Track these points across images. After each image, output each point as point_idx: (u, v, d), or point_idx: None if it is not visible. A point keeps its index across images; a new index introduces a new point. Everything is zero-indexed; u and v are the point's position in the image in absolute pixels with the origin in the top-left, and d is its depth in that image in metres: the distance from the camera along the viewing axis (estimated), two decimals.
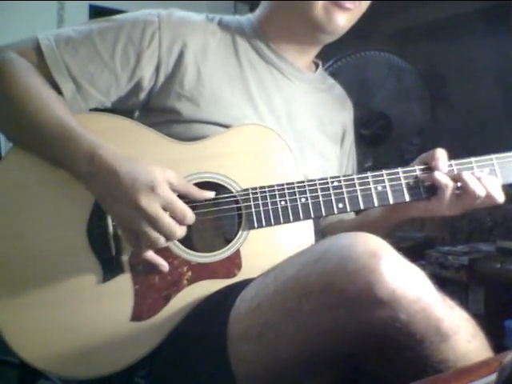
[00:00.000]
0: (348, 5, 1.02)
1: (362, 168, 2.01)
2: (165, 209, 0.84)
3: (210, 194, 0.91)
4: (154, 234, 0.84)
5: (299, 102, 1.11)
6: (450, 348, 0.72)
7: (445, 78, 2.33)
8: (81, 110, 0.97)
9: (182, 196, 0.88)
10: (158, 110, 1.02)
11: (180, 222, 0.85)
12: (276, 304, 0.78)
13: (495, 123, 2.11)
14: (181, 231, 0.85)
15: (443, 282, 1.74)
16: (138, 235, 0.85)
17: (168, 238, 0.85)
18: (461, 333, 0.73)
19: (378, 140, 2.08)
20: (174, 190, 0.87)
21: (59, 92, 0.96)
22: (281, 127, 1.04)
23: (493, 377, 0.57)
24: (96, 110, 1.02)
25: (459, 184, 0.96)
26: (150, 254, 0.87)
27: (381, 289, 0.69)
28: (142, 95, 1.02)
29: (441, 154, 0.98)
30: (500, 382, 0.53)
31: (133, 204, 0.83)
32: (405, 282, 0.71)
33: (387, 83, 2.03)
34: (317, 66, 1.19)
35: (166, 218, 0.83)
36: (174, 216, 0.84)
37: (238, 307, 0.83)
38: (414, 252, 2.01)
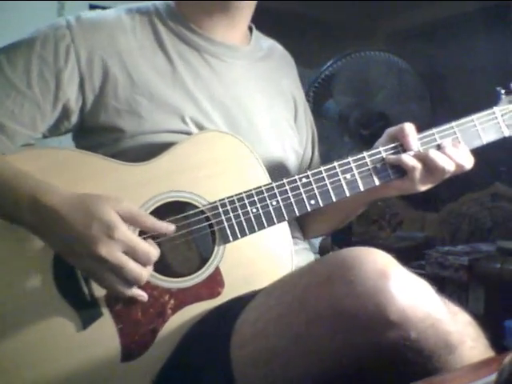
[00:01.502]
0: None
1: None
2: (126, 253, 0.77)
3: (171, 227, 0.82)
4: (120, 284, 0.78)
5: (241, 83, 1.02)
6: (457, 358, 0.71)
7: (445, 78, 2.34)
8: (10, 149, 0.88)
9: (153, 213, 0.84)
10: (99, 129, 0.93)
11: (144, 263, 0.78)
12: (283, 329, 0.75)
13: None
14: (147, 272, 0.79)
15: (443, 282, 1.74)
16: (105, 284, 0.79)
17: (135, 283, 0.79)
18: (466, 341, 0.73)
19: (377, 140, 2.08)
20: (136, 226, 0.80)
21: None
22: (228, 117, 0.98)
23: (493, 377, 0.57)
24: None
25: (427, 163, 0.93)
26: (124, 294, 0.82)
27: (392, 311, 0.68)
28: (74, 118, 0.92)
29: (409, 129, 0.96)
30: (500, 382, 0.53)
31: (92, 254, 0.75)
32: (414, 300, 0.70)
33: (387, 83, 2.02)
34: (251, 32, 1.09)
35: (130, 265, 0.76)
36: (137, 258, 0.77)
37: (239, 331, 0.79)
38: (414, 252, 2.02)
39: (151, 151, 0.90)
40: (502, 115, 1.02)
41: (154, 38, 0.97)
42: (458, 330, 0.73)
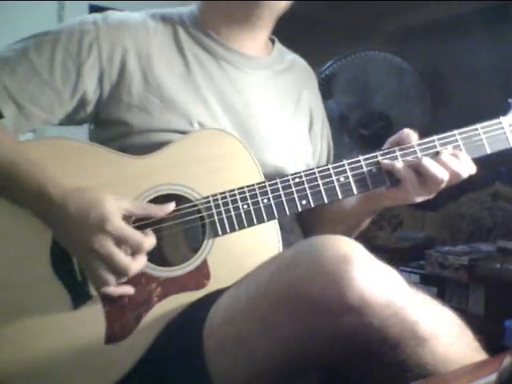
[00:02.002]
0: None
1: None
2: (118, 244, 0.82)
3: (170, 206, 0.88)
4: (107, 275, 0.82)
5: (256, 92, 1.06)
6: (428, 352, 0.71)
7: (445, 78, 2.33)
8: (25, 130, 0.96)
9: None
10: (109, 122, 0.98)
11: (136, 252, 0.83)
12: (249, 314, 0.77)
13: None
14: (137, 265, 0.83)
15: (443, 282, 1.74)
16: (94, 274, 0.84)
17: (122, 275, 0.83)
18: (441, 336, 0.72)
19: (377, 140, 2.08)
20: (131, 217, 0.85)
21: (1, 115, 0.93)
22: (238, 123, 1.01)
23: (493, 377, 0.57)
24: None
25: (420, 171, 0.93)
26: (111, 290, 0.85)
27: (350, 295, 0.68)
28: (89, 108, 0.98)
29: (407, 137, 0.96)
30: (500, 382, 0.53)
31: (85, 244, 0.81)
32: (376, 286, 0.69)
33: (387, 83, 2.03)
34: (273, 44, 1.14)
35: (117, 256, 0.81)
36: (128, 249, 0.83)
37: (211, 320, 0.81)
38: (414, 252, 2.02)
39: (156, 149, 0.94)
40: (509, 125, 1.00)
41: (173, 41, 1.02)
42: (428, 321, 0.71)
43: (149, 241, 0.84)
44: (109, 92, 0.97)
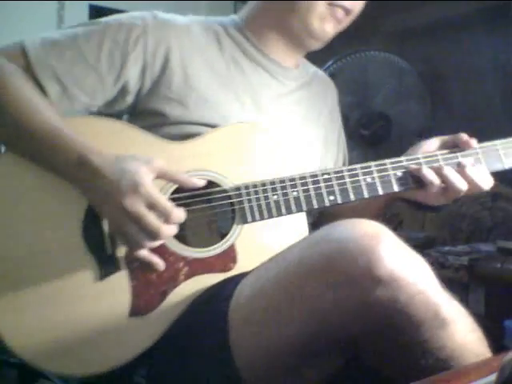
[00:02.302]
0: (339, 15, 1.06)
1: None
2: (149, 208, 0.85)
3: (200, 182, 0.91)
4: (139, 234, 0.85)
5: (286, 100, 1.13)
6: (448, 335, 0.73)
7: (445, 78, 2.33)
8: (67, 112, 0.98)
9: (181, 190, 0.91)
10: (146, 113, 1.03)
11: (166, 220, 0.85)
12: (277, 287, 0.79)
13: (495, 123, 2.11)
14: (167, 230, 0.86)
15: (443, 282, 1.74)
16: (126, 237, 0.86)
17: (153, 237, 0.85)
18: (459, 322, 0.74)
19: (377, 140, 2.08)
20: (161, 177, 0.89)
21: (45, 95, 0.96)
22: (268, 124, 1.05)
23: (493, 377, 0.57)
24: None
25: (442, 179, 0.98)
26: (144, 254, 0.88)
27: (380, 268, 0.71)
28: (129, 98, 1.03)
29: (430, 145, 1.03)
30: (500, 382, 0.53)
31: (119, 206, 0.84)
32: (404, 264, 0.73)
33: (387, 83, 2.03)
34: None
35: (148, 217, 0.84)
36: (159, 215, 0.85)
37: (238, 295, 0.84)
38: None
39: (188, 139, 0.98)
40: None
41: (215, 43, 1.08)
42: (449, 307, 0.74)
43: (177, 212, 0.86)
44: (150, 85, 1.02)
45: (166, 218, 0.85)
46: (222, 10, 3.22)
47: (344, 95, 1.87)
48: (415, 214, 2.29)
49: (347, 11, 1.07)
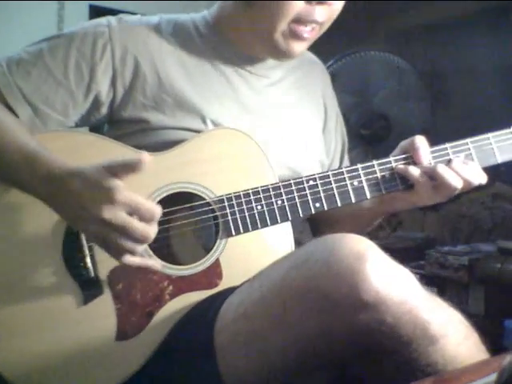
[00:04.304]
0: (306, 34, 0.97)
1: None
2: (130, 214, 0.79)
3: (157, 209, 0.81)
4: (128, 243, 0.80)
5: (271, 93, 1.06)
6: (438, 350, 0.71)
7: (445, 78, 2.33)
8: (40, 132, 0.95)
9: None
10: (126, 121, 0.99)
11: (149, 220, 0.80)
12: (262, 310, 0.77)
13: (495, 123, 2.11)
14: (153, 231, 0.81)
15: (443, 282, 1.74)
16: (114, 248, 0.81)
17: (143, 242, 0.81)
18: (450, 335, 0.73)
19: (377, 140, 2.08)
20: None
21: (17, 116, 0.94)
22: (254, 123, 1.01)
23: (493, 377, 0.57)
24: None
25: (435, 177, 0.94)
26: (137, 260, 0.84)
27: (365, 291, 0.68)
28: (103, 109, 0.99)
29: (420, 142, 0.96)
30: (500, 382, 0.53)
31: (98, 219, 0.78)
32: (390, 283, 0.70)
33: (387, 83, 2.03)
34: None
35: (133, 223, 0.78)
36: (142, 218, 0.80)
37: (223, 315, 0.82)
38: (414, 252, 2.02)
39: (170, 147, 0.94)
40: None
41: (188, 44, 1.03)
42: (439, 321, 0.72)
43: (159, 209, 0.80)
44: (122, 93, 0.98)
45: (149, 219, 0.79)
46: None
47: (344, 95, 1.87)
48: (415, 214, 2.29)
49: (319, 24, 0.97)
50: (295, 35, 0.96)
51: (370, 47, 2.04)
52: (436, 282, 1.76)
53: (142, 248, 0.83)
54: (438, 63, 2.34)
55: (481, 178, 0.96)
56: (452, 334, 0.73)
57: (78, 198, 0.80)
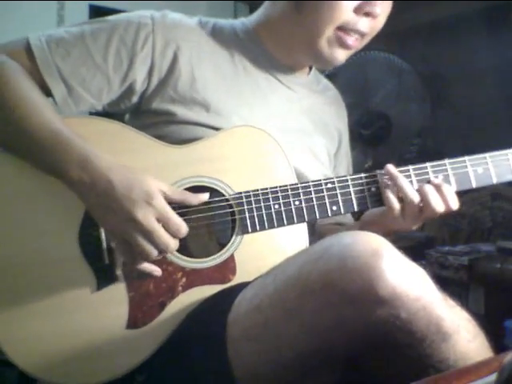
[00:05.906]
0: (350, 42, 1.00)
1: (361, 168, 2.01)
2: (159, 221, 0.83)
3: (205, 196, 0.89)
4: (148, 247, 0.83)
5: (295, 106, 1.10)
6: (450, 347, 0.72)
7: (445, 78, 2.33)
8: (71, 113, 0.97)
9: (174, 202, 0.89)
10: (151, 112, 1.01)
11: (174, 235, 0.84)
12: (276, 303, 0.77)
13: (495, 123, 2.11)
14: (174, 244, 0.84)
15: (443, 282, 1.73)
16: (130, 246, 0.83)
17: (162, 251, 0.84)
18: (461, 332, 0.74)
19: (377, 140, 2.09)
20: (168, 200, 0.85)
21: (50, 95, 0.94)
22: (275, 129, 1.02)
23: (493, 377, 0.57)
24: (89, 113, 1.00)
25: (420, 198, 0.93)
26: (145, 265, 0.87)
27: (382, 287, 0.69)
28: (134, 98, 1.00)
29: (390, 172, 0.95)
30: (500, 382, 0.53)
31: (128, 215, 0.81)
32: (406, 280, 0.71)
33: (387, 83, 2.03)
34: (310, 67, 1.17)
35: (160, 232, 0.82)
36: (167, 229, 0.83)
37: (237, 308, 0.82)
38: (414, 252, 2.01)
39: (191, 140, 0.96)
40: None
41: (225, 48, 1.06)
42: (452, 318, 0.73)
43: (185, 227, 0.85)
44: (156, 85, 0.99)
45: (174, 232, 0.83)
46: (222, 10, 3.22)
47: (344, 95, 1.87)
48: None
49: (362, 34, 1.01)
50: (340, 42, 0.99)
51: (370, 47, 2.04)
52: (436, 282, 1.76)
53: (158, 257, 0.85)
54: (437, 63, 2.34)
55: (451, 204, 0.95)
56: (463, 331, 0.74)
57: (113, 191, 0.82)
